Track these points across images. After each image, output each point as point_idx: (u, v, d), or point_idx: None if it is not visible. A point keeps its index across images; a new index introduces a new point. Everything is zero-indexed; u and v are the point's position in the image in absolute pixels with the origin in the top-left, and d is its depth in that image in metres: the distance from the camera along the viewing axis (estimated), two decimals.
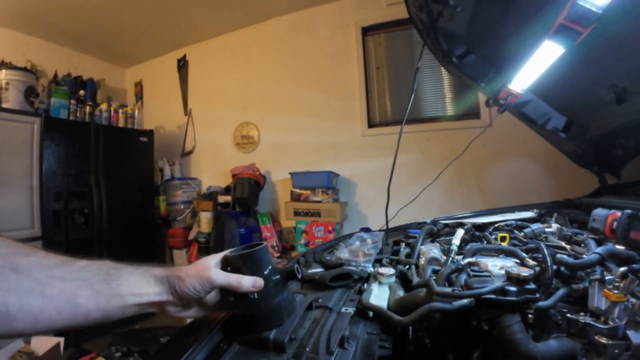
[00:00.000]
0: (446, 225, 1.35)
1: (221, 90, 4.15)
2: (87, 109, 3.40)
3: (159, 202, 3.98)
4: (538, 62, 1.14)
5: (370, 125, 3.42)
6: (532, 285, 0.63)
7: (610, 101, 1.36)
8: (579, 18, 0.84)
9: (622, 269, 0.65)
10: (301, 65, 3.69)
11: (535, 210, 1.44)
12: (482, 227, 1.24)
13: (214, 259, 0.59)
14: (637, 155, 1.63)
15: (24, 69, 3.10)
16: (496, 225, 1.22)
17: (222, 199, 3.48)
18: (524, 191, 2.69)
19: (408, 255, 1.04)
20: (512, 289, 0.62)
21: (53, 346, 2.39)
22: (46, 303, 0.39)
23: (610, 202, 1.38)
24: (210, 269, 0.55)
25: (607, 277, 0.64)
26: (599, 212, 0.94)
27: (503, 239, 1.04)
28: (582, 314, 0.63)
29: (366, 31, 3.45)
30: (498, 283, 0.63)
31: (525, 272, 0.64)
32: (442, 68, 3.03)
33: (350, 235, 1.32)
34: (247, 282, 0.55)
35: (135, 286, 0.49)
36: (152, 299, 0.50)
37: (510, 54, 1.37)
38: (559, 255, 0.72)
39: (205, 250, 3.47)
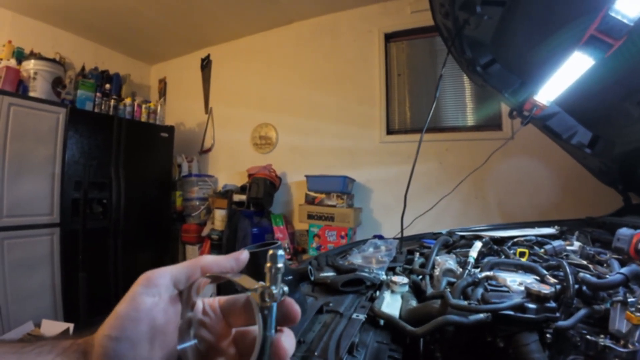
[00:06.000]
0: (462, 237, 1.33)
1: (242, 91, 4.18)
2: (112, 102, 3.49)
3: (175, 197, 4.03)
4: (566, 74, 1.11)
5: (389, 132, 3.38)
6: (553, 304, 0.61)
7: (638, 118, 1.31)
8: (610, 29, 0.81)
9: None
10: (322, 70, 3.69)
11: (556, 227, 1.39)
12: (500, 241, 1.21)
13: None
14: None
15: (53, 60, 3.18)
16: (515, 240, 1.19)
17: (237, 197, 3.50)
18: (544, 207, 2.62)
19: (422, 265, 1.02)
20: (532, 306, 0.60)
21: (62, 331, 2.45)
22: None
23: (635, 222, 1.33)
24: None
25: (629, 299, 0.61)
26: (623, 231, 0.90)
27: (522, 254, 1.01)
28: (601, 336, 0.61)
29: (389, 38, 3.43)
30: (517, 299, 0.61)
31: (546, 289, 0.62)
32: (464, 77, 3.02)
33: (364, 241, 1.31)
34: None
35: None
36: None
37: (537, 64, 1.33)
38: (581, 274, 0.70)
39: (218, 247, 3.49)
